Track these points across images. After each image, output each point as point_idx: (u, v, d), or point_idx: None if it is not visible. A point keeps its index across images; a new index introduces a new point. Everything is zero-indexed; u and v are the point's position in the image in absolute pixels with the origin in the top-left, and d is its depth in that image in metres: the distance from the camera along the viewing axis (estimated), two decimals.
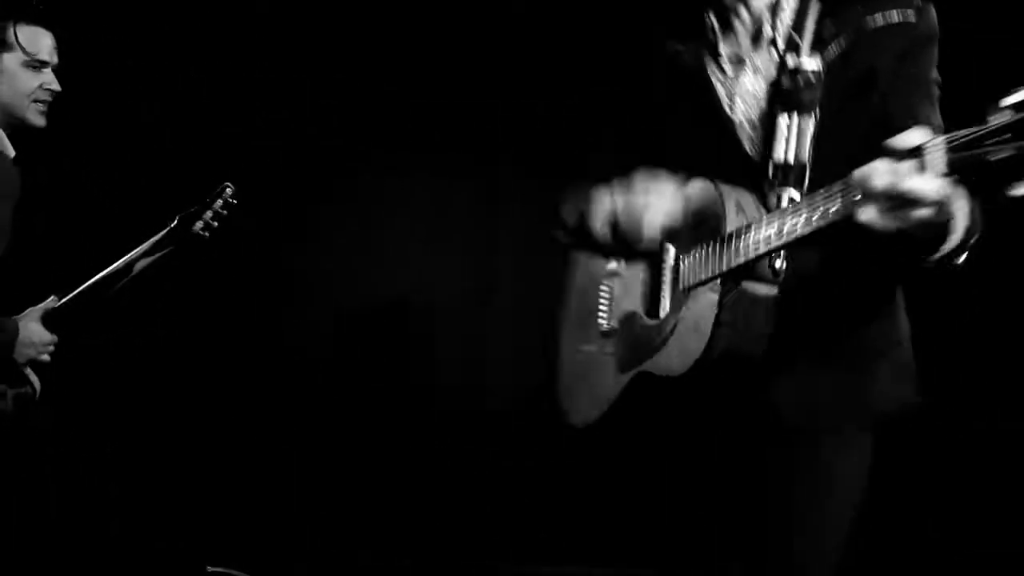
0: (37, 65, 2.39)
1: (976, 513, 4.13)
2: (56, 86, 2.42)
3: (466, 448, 4.41)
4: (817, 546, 2.08)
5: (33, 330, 2.51)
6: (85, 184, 4.35)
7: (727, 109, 1.98)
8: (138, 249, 2.65)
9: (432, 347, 4.43)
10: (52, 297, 2.56)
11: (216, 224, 2.68)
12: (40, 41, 2.40)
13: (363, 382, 4.41)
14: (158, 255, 2.69)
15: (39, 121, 2.45)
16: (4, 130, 2.41)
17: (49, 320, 2.54)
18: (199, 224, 2.69)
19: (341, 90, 4.35)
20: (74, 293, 2.63)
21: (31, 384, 2.57)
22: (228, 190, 2.72)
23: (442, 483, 4.39)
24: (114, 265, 2.64)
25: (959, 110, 3.78)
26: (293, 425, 4.36)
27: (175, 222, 2.72)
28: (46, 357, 2.53)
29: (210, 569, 4.06)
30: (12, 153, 2.45)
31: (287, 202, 4.37)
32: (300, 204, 4.37)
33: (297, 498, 4.35)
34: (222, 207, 2.70)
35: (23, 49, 2.36)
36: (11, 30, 2.35)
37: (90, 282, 2.63)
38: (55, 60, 2.40)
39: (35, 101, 2.43)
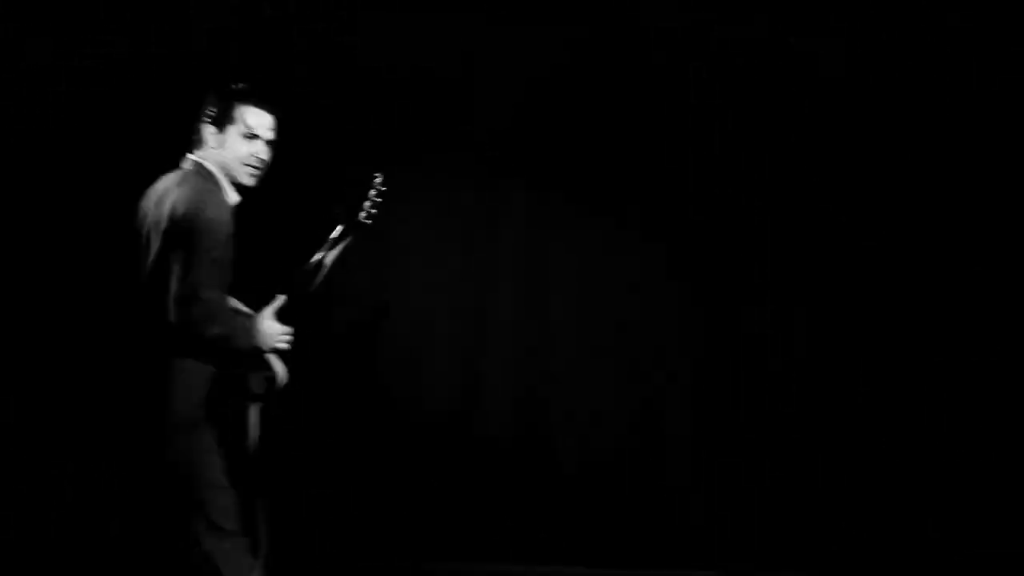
0: (251, 137, 2.95)
1: (976, 513, 4.13)
2: (264, 155, 2.98)
3: (466, 449, 4.41)
4: None
5: (271, 323, 2.97)
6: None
7: None
8: (325, 246, 3.09)
9: (430, 351, 4.43)
10: (282, 296, 3.00)
11: (374, 211, 3.08)
12: (256, 119, 2.96)
13: (363, 382, 4.40)
14: (340, 248, 3.10)
15: (248, 181, 2.99)
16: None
17: (281, 315, 2.99)
18: (363, 214, 3.09)
19: (339, 92, 4.35)
20: (295, 289, 3.06)
21: (275, 371, 3.07)
22: (378, 179, 3.12)
23: (442, 483, 4.39)
24: (313, 262, 3.08)
25: (960, 110, 3.77)
26: (293, 426, 4.35)
27: (346, 215, 3.10)
28: (285, 345, 3.00)
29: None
30: (236, 199, 3.01)
31: (285, 211, 4.37)
32: (299, 212, 4.37)
33: (297, 498, 4.35)
34: (376, 196, 3.11)
35: (244, 124, 2.95)
36: (238, 108, 2.95)
37: (302, 279, 3.07)
38: (268, 136, 2.97)
39: (246, 165, 2.96)
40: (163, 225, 2.94)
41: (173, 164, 4.49)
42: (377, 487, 4.36)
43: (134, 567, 3.73)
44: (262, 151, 2.97)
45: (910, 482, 4.18)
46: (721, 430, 4.28)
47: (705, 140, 4.28)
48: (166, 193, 2.98)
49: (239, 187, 3.02)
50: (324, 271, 3.09)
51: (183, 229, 2.88)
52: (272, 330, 2.97)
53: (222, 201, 2.92)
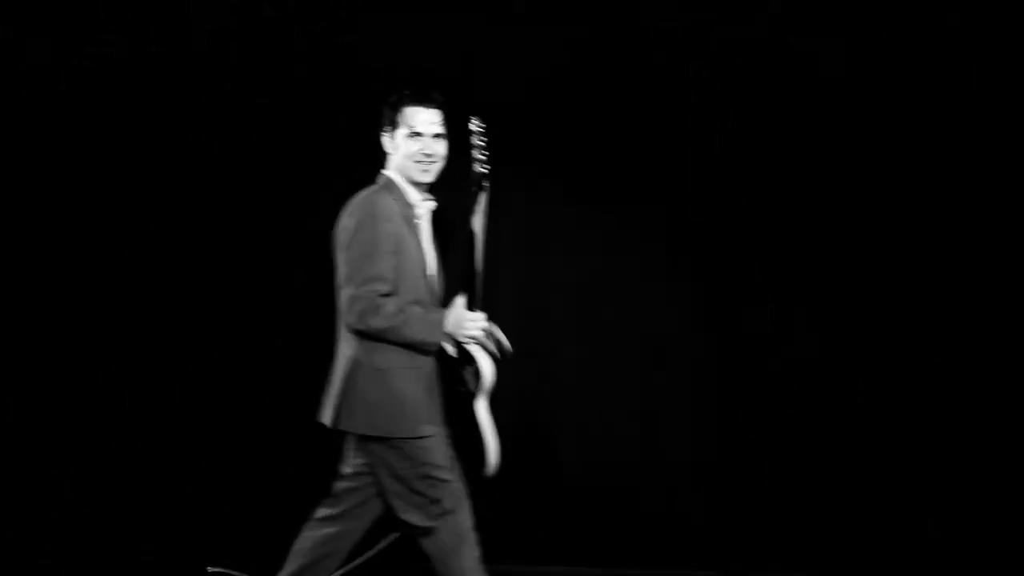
0: (416, 135, 3.13)
1: (976, 513, 4.13)
2: (430, 150, 3.13)
3: (465, 450, 4.41)
4: None
5: (460, 311, 3.08)
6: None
7: None
8: (472, 215, 3.16)
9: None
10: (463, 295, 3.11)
11: (487, 154, 3.16)
12: (417, 117, 3.14)
13: None
14: (481, 209, 3.18)
15: (421, 177, 3.16)
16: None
17: (470, 303, 3.11)
18: (480, 165, 3.16)
19: (340, 91, 4.35)
20: (461, 266, 3.15)
21: (480, 366, 3.16)
22: (474, 124, 3.18)
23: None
24: (473, 236, 3.15)
25: (959, 111, 3.77)
26: (293, 426, 4.36)
27: (475, 175, 3.15)
28: (477, 332, 3.10)
29: (210, 569, 4.06)
30: (423, 203, 3.19)
31: (284, 211, 4.37)
32: (298, 213, 4.37)
33: (297, 499, 4.34)
34: (481, 140, 3.17)
35: (407, 124, 3.14)
36: (401, 111, 3.15)
37: (465, 255, 3.15)
38: (432, 130, 3.14)
39: (415, 162, 3.13)
40: (336, 237, 3.13)
41: (174, 164, 4.49)
42: None
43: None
44: (428, 146, 3.13)
45: (910, 482, 4.18)
46: (721, 430, 4.28)
47: (705, 140, 4.28)
48: (345, 207, 3.16)
49: (431, 190, 3.18)
50: (478, 239, 3.14)
51: (343, 239, 3.08)
52: (462, 317, 3.06)
53: (382, 208, 3.07)
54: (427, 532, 3.15)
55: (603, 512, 4.34)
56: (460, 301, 3.09)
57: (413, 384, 3.10)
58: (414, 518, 3.14)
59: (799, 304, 4.26)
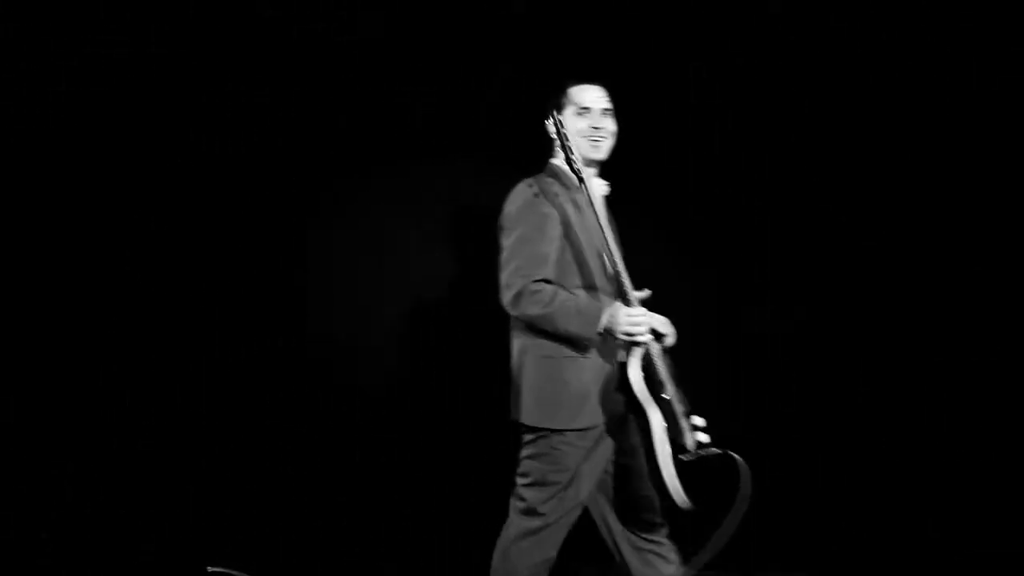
0: (584, 111, 3.14)
1: (976, 513, 4.14)
2: (599, 124, 3.14)
3: (464, 450, 4.42)
4: None
5: (624, 308, 2.96)
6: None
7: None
8: (599, 206, 3.05)
9: (432, 348, 4.43)
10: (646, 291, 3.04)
11: (570, 146, 3.04)
12: (584, 94, 3.17)
13: (362, 383, 4.41)
14: (598, 204, 3.08)
15: (594, 154, 3.15)
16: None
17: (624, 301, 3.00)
18: (574, 160, 3.03)
19: (339, 92, 4.35)
20: (618, 269, 3.02)
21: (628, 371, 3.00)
22: (551, 123, 3.10)
23: (441, 485, 4.39)
24: (611, 235, 3.06)
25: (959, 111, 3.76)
26: (293, 426, 4.36)
27: (573, 163, 3.04)
28: (639, 329, 2.96)
29: (210, 569, 4.06)
30: (594, 187, 3.11)
31: (284, 211, 4.38)
32: (297, 213, 4.38)
33: (297, 499, 4.35)
34: (562, 136, 3.04)
35: (574, 103, 3.16)
36: (567, 91, 3.19)
37: (613, 254, 3.04)
38: (599, 105, 3.16)
39: (585, 138, 3.12)
40: (499, 224, 3.13)
41: (174, 164, 4.49)
42: (376, 487, 4.37)
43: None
44: (596, 120, 3.13)
45: (910, 482, 4.18)
46: (721, 430, 4.28)
47: (705, 140, 4.28)
48: (509, 194, 3.16)
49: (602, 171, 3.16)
50: (605, 234, 3.02)
51: (504, 224, 3.08)
52: (621, 314, 2.93)
53: (542, 192, 3.04)
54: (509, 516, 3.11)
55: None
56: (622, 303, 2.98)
57: (579, 374, 3.00)
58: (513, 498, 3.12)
59: (799, 304, 4.27)
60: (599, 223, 2.99)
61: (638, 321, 2.94)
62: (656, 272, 4.35)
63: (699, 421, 3.09)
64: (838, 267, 4.24)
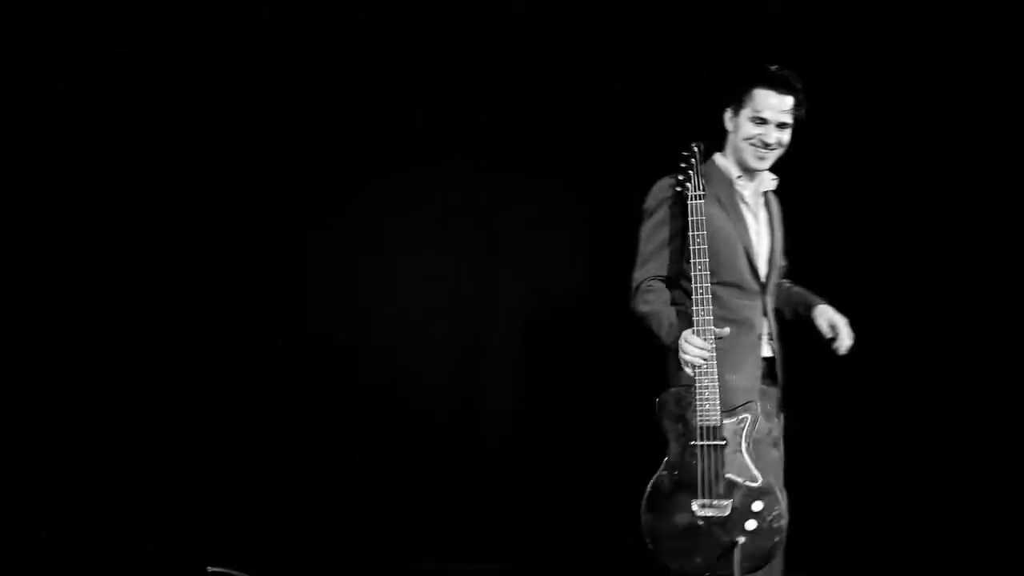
0: (757, 120, 2.96)
1: (976, 513, 4.13)
2: (770, 139, 2.97)
3: (464, 450, 4.42)
4: None
5: (695, 338, 2.84)
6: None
7: None
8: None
9: (428, 351, 4.43)
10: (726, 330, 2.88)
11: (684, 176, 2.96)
12: (765, 100, 2.95)
13: (362, 383, 4.41)
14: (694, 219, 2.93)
15: (756, 164, 3.02)
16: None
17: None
18: (689, 189, 2.95)
19: (340, 94, 4.35)
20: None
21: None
22: (690, 150, 2.98)
23: (441, 484, 4.39)
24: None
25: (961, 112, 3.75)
26: (293, 426, 4.36)
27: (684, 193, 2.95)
28: (696, 360, 2.83)
29: (210, 569, 4.06)
30: (754, 185, 3.08)
31: (284, 211, 4.38)
32: (297, 213, 4.38)
33: (297, 499, 4.35)
34: (686, 164, 2.97)
35: (753, 107, 2.96)
36: (750, 91, 2.96)
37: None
38: (779, 119, 2.96)
39: (752, 146, 2.98)
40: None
41: (174, 164, 4.48)
42: (375, 487, 4.37)
43: None
44: (769, 134, 2.97)
45: (910, 482, 4.17)
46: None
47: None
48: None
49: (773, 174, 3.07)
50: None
51: (642, 218, 3.06)
52: (689, 339, 2.82)
53: (673, 192, 2.97)
54: None
55: (604, 512, 4.34)
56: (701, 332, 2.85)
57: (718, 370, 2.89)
58: None
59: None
60: (743, 224, 3.01)
61: (690, 350, 2.82)
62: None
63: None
64: (838, 267, 4.23)
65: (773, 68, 3.00)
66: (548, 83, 4.33)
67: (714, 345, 2.81)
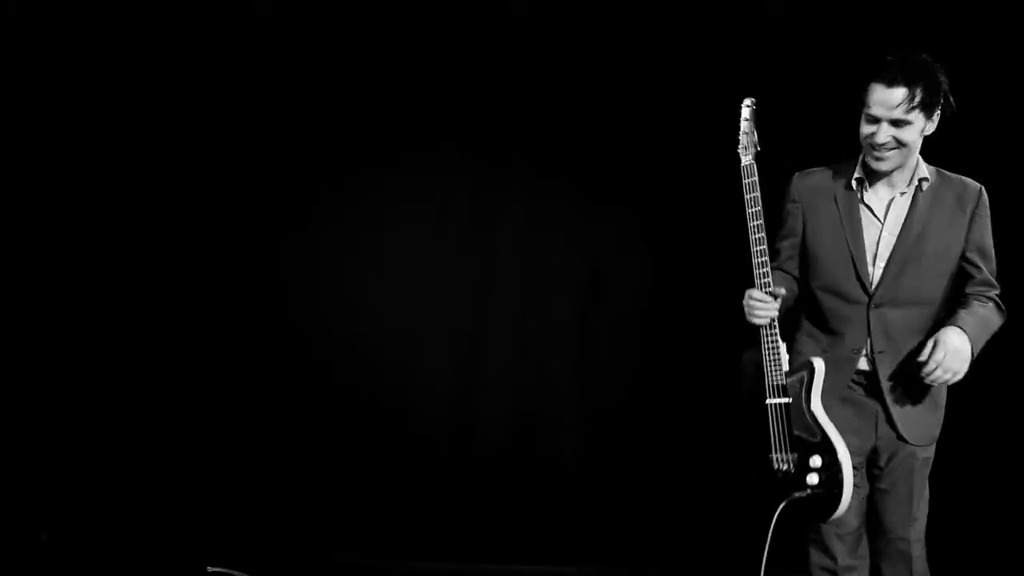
0: (869, 118, 2.78)
1: (976, 513, 4.12)
2: (882, 139, 2.77)
3: (464, 451, 4.42)
4: None
5: (752, 293, 2.79)
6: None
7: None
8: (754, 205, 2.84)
9: (428, 351, 4.43)
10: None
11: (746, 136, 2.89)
12: (874, 95, 2.76)
13: (362, 384, 4.41)
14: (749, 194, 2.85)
15: (874, 165, 2.82)
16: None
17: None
18: (742, 146, 2.88)
19: (339, 94, 4.35)
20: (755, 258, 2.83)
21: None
22: (746, 105, 2.91)
23: (441, 484, 4.39)
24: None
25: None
26: (293, 426, 4.36)
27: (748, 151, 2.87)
28: (754, 319, 2.80)
29: (210, 569, 4.06)
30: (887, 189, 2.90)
31: (283, 208, 4.38)
32: (296, 209, 4.38)
33: (296, 498, 4.35)
34: (747, 123, 2.89)
35: (866, 103, 2.77)
36: (867, 87, 2.78)
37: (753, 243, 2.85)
38: (890, 115, 2.76)
39: (868, 145, 2.80)
40: None
41: (174, 164, 4.46)
42: (375, 487, 4.37)
43: None
44: (881, 133, 2.77)
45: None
46: (721, 431, 4.27)
47: (706, 141, 4.27)
48: None
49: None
50: (753, 223, 2.84)
51: None
52: (747, 298, 2.78)
53: (797, 185, 2.94)
54: None
55: (605, 512, 4.34)
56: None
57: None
58: None
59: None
60: (849, 228, 2.85)
61: (751, 303, 2.78)
62: (658, 272, 4.39)
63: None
64: None
65: (889, 58, 2.80)
66: (548, 84, 4.33)
67: (776, 304, 2.77)
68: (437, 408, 4.40)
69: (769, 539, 2.72)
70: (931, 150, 2.95)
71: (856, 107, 2.81)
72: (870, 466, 2.90)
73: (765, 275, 2.77)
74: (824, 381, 2.78)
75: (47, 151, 4.33)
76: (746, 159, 2.84)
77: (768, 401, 2.80)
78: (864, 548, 2.94)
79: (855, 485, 2.74)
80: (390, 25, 4.33)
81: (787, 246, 2.95)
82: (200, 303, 4.37)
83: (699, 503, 4.26)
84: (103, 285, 4.34)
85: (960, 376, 2.73)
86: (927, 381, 2.74)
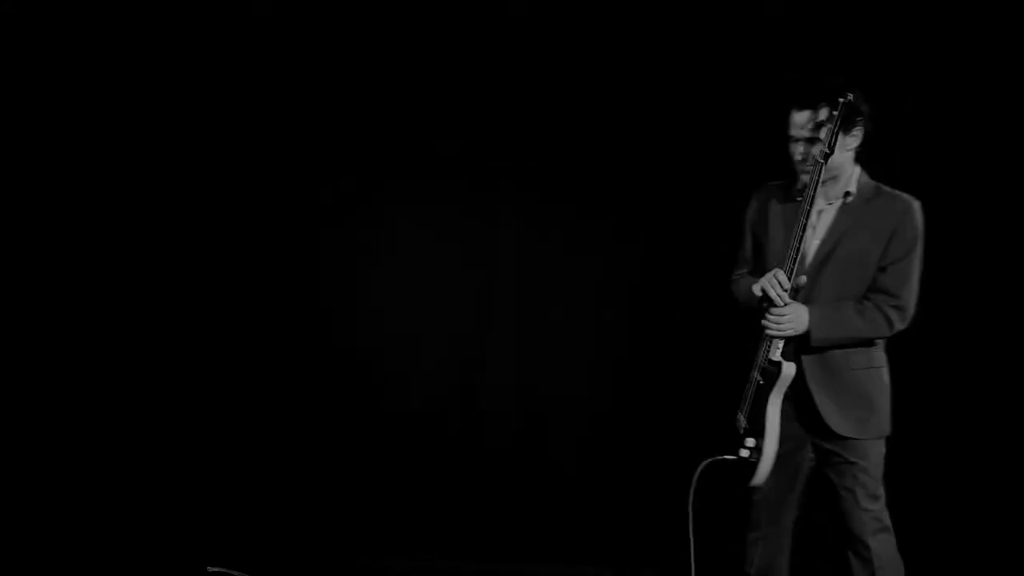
0: (790, 138, 3.06)
1: (976, 513, 4.13)
2: (797, 156, 3.06)
3: (463, 451, 4.42)
4: None
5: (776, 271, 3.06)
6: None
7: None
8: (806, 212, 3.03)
9: (429, 351, 4.43)
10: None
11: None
12: (791, 119, 3.05)
13: (361, 383, 4.41)
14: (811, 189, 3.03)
15: (802, 178, 3.07)
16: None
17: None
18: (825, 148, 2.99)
19: (339, 94, 4.35)
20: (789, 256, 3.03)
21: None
22: (844, 99, 2.98)
23: (440, 485, 4.39)
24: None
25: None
26: (293, 426, 4.36)
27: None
28: (767, 325, 3.06)
29: (210, 569, 4.06)
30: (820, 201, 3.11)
31: (283, 208, 4.38)
32: (296, 210, 4.38)
33: (297, 498, 4.35)
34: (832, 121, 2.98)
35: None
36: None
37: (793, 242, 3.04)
38: (798, 134, 3.04)
39: (795, 162, 3.07)
40: None
41: (174, 164, 4.46)
42: (375, 487, 4.37)
43: None
44: (797, 151, 3.06)
45: (909, 482, 4.17)
46: (721, 431, 4.27)
47: (706, 140, 4.27)
48: None
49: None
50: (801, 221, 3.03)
51: None
52: (773, 273, 3.03)
53: (756, 196, 3.23)
54: None
55: (605, 512, 4.34)
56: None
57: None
58: None
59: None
60: (800, 233, 3.03)
61: (769, 278, 3.04)
62: (658, 272, 4.39)
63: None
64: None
65: (803, 83, 3.10)
66: (548, 83, 4.33)
67: (788, 289, 2.99)
68: (437, 408, 4.41)
69: (694, 485, 3.11)
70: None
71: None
72: (816, 452, 3.17)
73: (792, 261, 3.00)
74: (788, 386, 3.04)
75: (47, 151, 4.33)
76: (819, 157, 2.98)
77: (752, 373, 3.08)
78: (788, 520, 3.26)
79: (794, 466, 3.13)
80: (390, 25, 4.33)
81: (749, 257, 3.26)
82: (200, 303, 4.37)
83: (699, 503, 4.26)
84: (103, 285, 4.35)
85: (775, 331, 3.01)
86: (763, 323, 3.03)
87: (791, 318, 3.00)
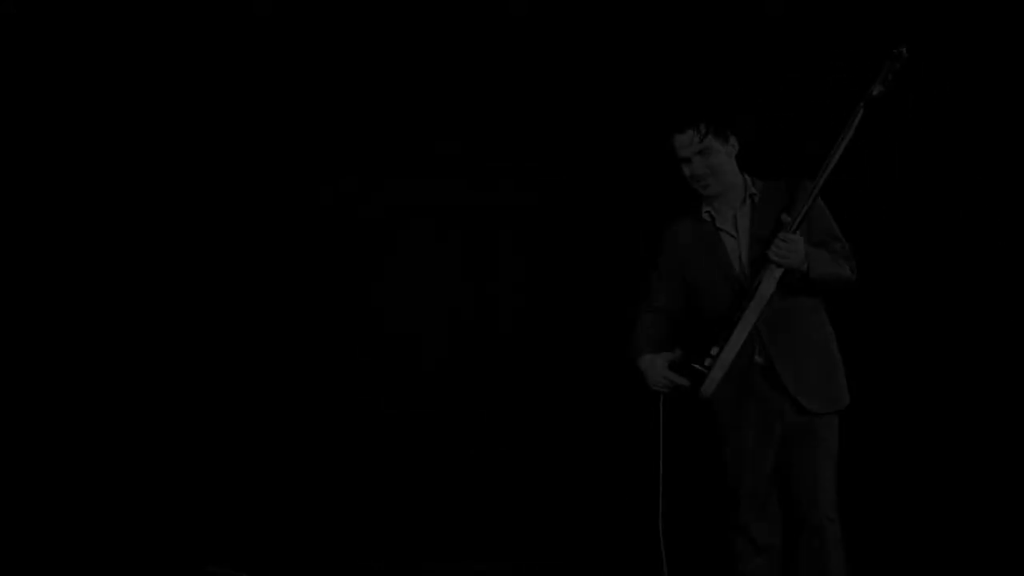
0: (681, 160, 3.25)
1: (976, 513, 4.13)
2: (696, 172, 3.23)
3: (463, 451, 4.42)
4: None
5: (658, 366, 3.30)
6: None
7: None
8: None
9: (429, 351, 4.44)
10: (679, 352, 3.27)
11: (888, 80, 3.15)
12: (675, 144, 3.25)
13: (360, 383, 4.41)
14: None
15: (704, 193, 3.28)
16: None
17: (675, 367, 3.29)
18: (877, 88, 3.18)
19: (338, 94, 4.36)
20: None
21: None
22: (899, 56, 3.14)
23: (440, 485, 4.39)
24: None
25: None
26: (293, 426, 4.37)
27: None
28: (659, 389, 3.33)
29: (210, 569, 4.07)
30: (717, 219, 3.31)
31: (283, 209, 4.39)
32: (296, 210, 4.39)
33: (297, 499, 4.36)
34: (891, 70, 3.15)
35: (675, 153, 3.25)
36: (671, 140, 3.25)
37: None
38: (683, 154, 3.23)
39: (692, 182, 3.26)
40: None
41: (174, 164, 4.48)
42: (375, 487, 4.37)
43: None
44: (693, 167, 3.24)
45: (909, 482, 4.17)
46: (720, 431, 4.28)
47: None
48: None
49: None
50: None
51: None
52: (655, 372, 3.29)
53: (667, 238, 3.38)
54: None
55: (606, 512, 4.34)
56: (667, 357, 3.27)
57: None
58: None
59: None
60: (724, 251, 3.26)
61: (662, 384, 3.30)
62: (651, 269, 4.40)
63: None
64: None
65: (674, 108, 3.34)
66: (549, 83, 4.34)
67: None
68: (437, 408, 4.41)
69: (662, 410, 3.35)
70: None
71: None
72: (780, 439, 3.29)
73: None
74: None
75: (47, 151, 4.34)
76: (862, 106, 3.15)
77: (704, 363, 3.21)
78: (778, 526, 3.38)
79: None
80: (390, 25, 4.34)
81: (665, 288, 3.39)
82: (200, 303, 4.37)
83: (699, 503, 4.27)
84: (103, 285, 4.35)
85: (778, 258, 3.11)
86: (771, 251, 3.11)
87: (795, 248, 3.10)
